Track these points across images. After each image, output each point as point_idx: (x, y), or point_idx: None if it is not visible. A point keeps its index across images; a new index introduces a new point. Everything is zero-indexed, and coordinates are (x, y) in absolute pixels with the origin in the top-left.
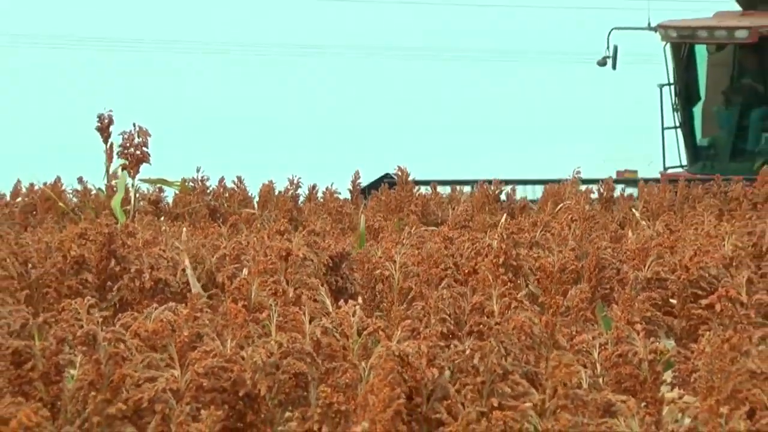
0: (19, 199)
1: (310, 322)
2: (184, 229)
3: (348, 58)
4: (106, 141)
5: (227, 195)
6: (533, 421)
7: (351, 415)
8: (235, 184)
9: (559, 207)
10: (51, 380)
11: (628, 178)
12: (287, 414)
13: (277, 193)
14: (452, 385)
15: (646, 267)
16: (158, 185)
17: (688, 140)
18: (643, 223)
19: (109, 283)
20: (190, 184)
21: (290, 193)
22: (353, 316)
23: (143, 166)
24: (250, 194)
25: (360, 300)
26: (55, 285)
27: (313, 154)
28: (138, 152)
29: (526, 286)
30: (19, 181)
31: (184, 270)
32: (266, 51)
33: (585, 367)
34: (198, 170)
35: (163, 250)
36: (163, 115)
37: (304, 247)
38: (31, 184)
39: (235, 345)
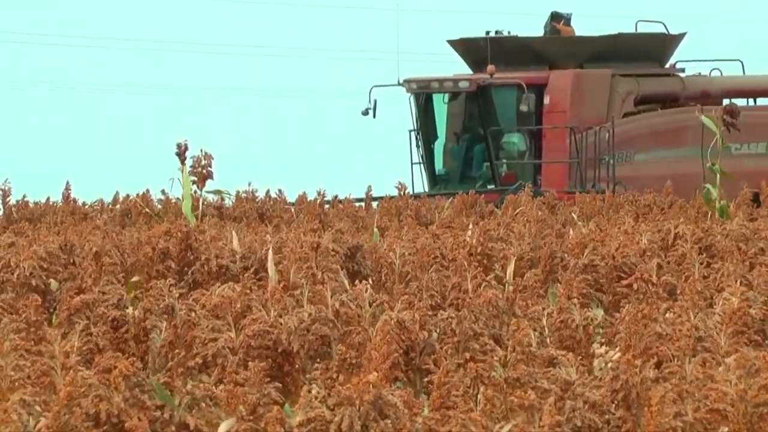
0: (118, 205)
1: (331, 297)
2: (234, 231)
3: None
4: (182, 162)
5: (271, 202)
6: (497, 371)
7: (361, 366)
8: (277, 194)
9: (517, 211)
10: (141, 340)
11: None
12: (315, 365)
13: (309, 200)
14: (438, 343)
15: (583, 256)
16: (219, 195)
17: (429, 171)
18: (580, 223)
19: (185, 268)
20: (243, 194)
21: (318, 201)
22: (366, 292)
23: (208, 181)
24: (288, 202)
25: (370, 280)
26: (146, 269)
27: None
28: (204, 171)
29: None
30: (118, 192)
31: (239, 257)
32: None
33: (536, 330)
34: (249, 184)
35: (225, 244)
36: (219, 140)
37: (329, 242)
38: (127, 195)
39: (275, 314)
